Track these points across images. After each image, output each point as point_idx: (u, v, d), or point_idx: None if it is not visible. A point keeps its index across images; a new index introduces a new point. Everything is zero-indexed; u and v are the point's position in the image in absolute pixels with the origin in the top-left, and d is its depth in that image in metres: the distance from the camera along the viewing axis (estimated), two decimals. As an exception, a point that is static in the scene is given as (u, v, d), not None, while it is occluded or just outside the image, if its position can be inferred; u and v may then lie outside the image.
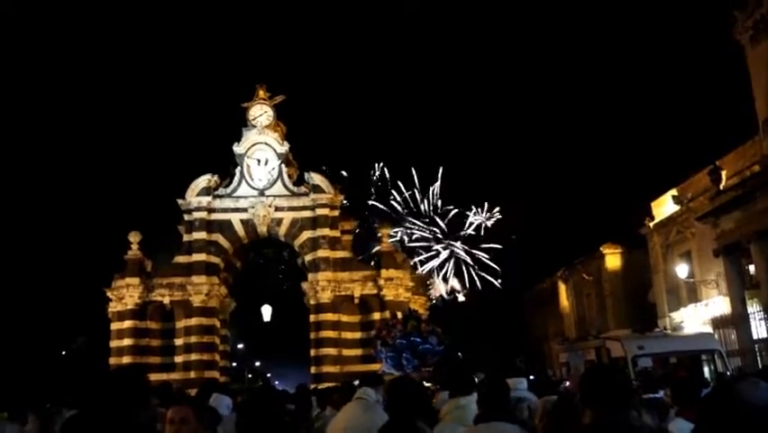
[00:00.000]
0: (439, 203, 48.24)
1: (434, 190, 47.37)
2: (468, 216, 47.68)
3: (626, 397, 3.19)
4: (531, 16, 62.65)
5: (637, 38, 57.28)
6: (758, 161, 20.54)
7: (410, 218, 46.24)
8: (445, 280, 44.35)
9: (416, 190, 47.30)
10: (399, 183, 47.42)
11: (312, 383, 20.97)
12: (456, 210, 47.42)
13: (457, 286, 46.15)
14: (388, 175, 47.63)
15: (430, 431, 4.74)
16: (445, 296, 44.56)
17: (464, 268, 46.91)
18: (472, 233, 47.51)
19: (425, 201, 47.48)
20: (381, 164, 47.73)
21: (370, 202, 46.26)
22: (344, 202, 29.27)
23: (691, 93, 46.01)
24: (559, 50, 64.69)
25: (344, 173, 26.44)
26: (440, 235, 47.46)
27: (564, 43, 64.04)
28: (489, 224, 46.39)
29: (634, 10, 58.22)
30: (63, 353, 42.23)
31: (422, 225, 46.93)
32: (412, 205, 47.73)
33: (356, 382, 13.29)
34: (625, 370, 14.46)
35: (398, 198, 47.57)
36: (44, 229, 45.08)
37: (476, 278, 46.32)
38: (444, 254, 45.63)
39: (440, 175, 47.42)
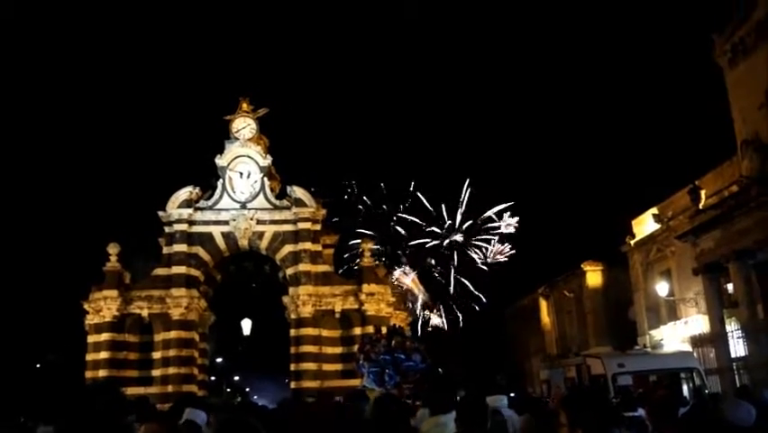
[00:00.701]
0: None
1: (406, 205, 47.21)
2: (442, 233, 47.53)
3: (612, 417, 3.23)
4: (517, 36, 63.41)
5: (619, 58, 58.13)
6: (737, 182, 20.81)
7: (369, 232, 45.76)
8: (414, 300, 43.97)
9: (384, 206, 47.05)
10: (366, 199, 47.07)
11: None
12: (431, 228, 47.26)
13: (435, 310, 45.77)
14: (356, 190, 47.30)
15: None
16: (421, 315, 44.27)
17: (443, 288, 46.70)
18: (446, 253, 47.39)
19: (395, 217, 47.27)
20: (353, 182, 47.33)
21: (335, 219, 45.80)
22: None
23: (672, 114, 46.75)
24: (543, 69, 65.42)
25: (313, 189, 26.33)
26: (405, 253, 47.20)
27: (549, 63, 64.84)
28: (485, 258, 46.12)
29: (616, 31, 59.10)
30: (37, 366, 41.55)
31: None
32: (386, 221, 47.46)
33: (337, 399, 13.17)
34: (605, 388, 14.48)
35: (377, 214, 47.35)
36: (21, 240, 44.48)
37: (453, 304, 46.05)
38: (410, 277, 45.12)
39: (411, 189, 47.18)
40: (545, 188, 53.47)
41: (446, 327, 44.89)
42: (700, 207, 21.69)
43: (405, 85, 72.78)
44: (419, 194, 46.53)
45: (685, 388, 17.22)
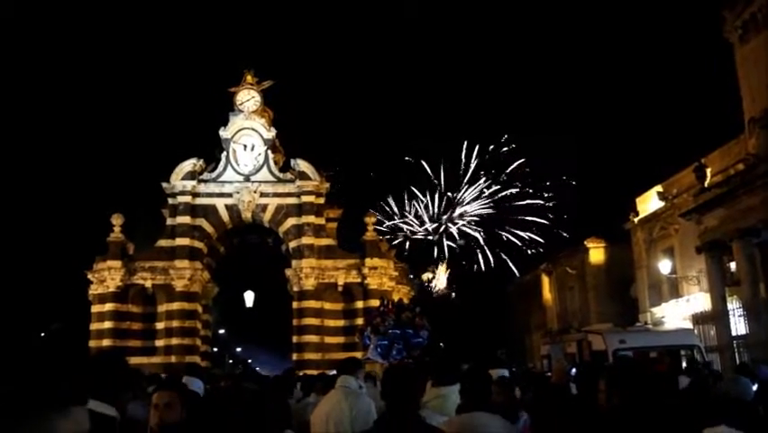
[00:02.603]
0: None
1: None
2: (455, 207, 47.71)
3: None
4: (524, 20, 62.68)
5: (626, 36, 57.50)
6: (743, 160, 20.67)
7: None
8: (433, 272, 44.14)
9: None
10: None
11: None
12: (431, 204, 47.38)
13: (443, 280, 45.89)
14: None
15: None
16: (439, 285, 44.43)
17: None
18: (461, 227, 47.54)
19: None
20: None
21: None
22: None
23: (679, 90, 46.36)
24: (547, 46, 64.82)
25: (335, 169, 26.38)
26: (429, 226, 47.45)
27: (552, 39, 64.18)
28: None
29: (623, 7, 58.40)
30: (42, 334, 41.85)
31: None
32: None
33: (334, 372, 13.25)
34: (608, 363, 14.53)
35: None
36: (26, 210, 44.57)
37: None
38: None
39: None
40: (550, 165, 53.27)
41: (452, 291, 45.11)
42: (705, 185, 21.57)
43: (408, 55, 72.19)
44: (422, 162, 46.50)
45: (685, 365, 17.29)
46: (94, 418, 3.05)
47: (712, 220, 21.24)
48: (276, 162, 26.61)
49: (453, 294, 45.16)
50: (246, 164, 26.23)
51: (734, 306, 21.71)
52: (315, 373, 15.09)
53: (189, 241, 25.39)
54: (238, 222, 26.28)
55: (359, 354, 19.07)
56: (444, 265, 45.46)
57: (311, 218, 25.82)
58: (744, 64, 21.30)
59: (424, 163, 46.33)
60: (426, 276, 45.10)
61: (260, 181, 25.98)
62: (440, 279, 44.71)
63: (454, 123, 62.88)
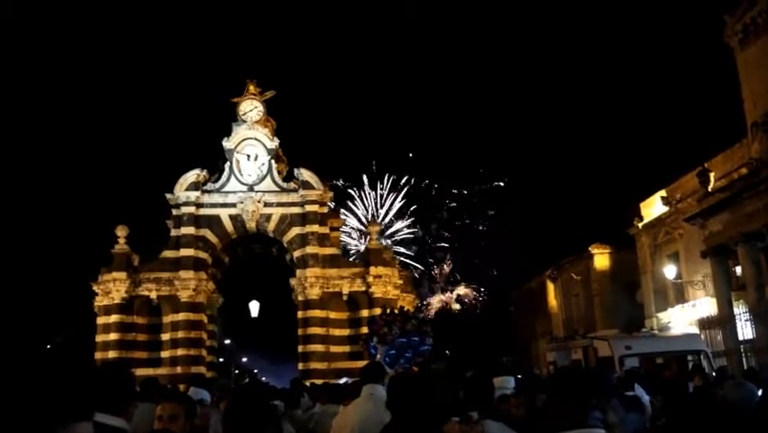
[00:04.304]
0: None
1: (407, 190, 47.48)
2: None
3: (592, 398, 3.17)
4: (524, 23, 62.84)
5: (628, 40, 57.47)
6: (746, 164, 20.67)
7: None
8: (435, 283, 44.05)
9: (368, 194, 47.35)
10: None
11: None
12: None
13: (462, 292, 45.72)
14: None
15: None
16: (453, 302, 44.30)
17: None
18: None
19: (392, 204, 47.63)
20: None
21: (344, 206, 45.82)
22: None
23: (681, 95, 46.33)
24: (548, 50, 64.90)
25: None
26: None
27: (554, 43, 64.28)
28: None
29: (624, 13, 58.49)
30: (48, 347, 41.96)
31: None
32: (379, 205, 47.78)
33: (343, 380, 13.22)
34: (610, 369, 14.49)
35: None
36: (30, 222, 44.73)
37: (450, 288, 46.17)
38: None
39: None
40: (553, 170, 53.26)
41: (464, 305, 44.97)
42: (709, 189, 21.57)
43: (410, 64, 72.35)
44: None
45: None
46: (103, 430, 3.07)
47: (716, 224, 21.22)
48: (279, 172, 26.68)
49: (458, 305, 45.09)
50: (250, 174, 26.30)
51: (740, 310, 21.65)
52: (319, 382, 15.10)
53: (194, 252, 25.43)
54: (242, 232, 26.32)
55: (363, 364, 19.06)
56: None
57: (315, 227, 25.85)
58: (744, 68, 21.34)
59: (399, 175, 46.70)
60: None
61: (263, 191, 26.03)
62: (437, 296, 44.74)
63: (454, 127, 62.88)
